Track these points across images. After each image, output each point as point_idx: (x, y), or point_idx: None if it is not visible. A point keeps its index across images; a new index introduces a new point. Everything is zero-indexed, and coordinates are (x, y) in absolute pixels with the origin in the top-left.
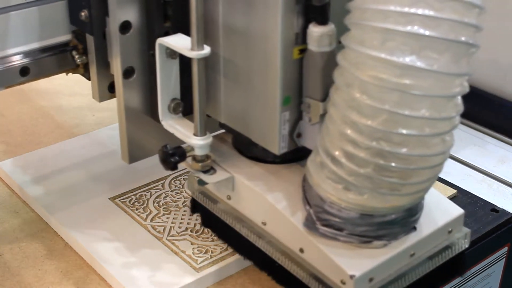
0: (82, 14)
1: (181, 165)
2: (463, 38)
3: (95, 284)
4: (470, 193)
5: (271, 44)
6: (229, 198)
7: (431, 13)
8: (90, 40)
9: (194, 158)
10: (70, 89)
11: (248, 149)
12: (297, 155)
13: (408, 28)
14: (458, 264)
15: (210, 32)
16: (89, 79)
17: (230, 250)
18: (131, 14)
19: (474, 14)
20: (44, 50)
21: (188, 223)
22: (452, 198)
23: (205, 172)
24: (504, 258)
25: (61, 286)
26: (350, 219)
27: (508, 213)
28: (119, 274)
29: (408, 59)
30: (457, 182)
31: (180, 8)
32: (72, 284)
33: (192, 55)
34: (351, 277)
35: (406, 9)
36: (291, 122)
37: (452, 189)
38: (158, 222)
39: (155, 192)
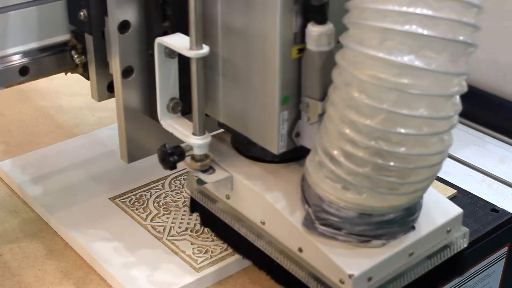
0: (81, 13)
1: (181, 165)
2: (461, 38)
3: (95, 284)
4: (470, 193)
5: (270, 44)
6: (228, 197)
7: (429, 12)
8: (89, 39)
9: (193, 157)
10: (70, 89)
11: (247, 149)
12: (296, 154)
13: (407, 27)
14: (457, 263)
15: (209, 32)
16: (88, 78)
17: (230, 250)
18: (130, 14)
19: (472, 14)
20: (43, 49)
21: (188, 223)
22: (452, 198)
23: (204, 171)
24: (504, 258)
25: (61, 286)
26: (348, 219)
27: (508, 213)
28: (119, 274)
29: (406, 59)
30: (457, 182)
31: (179, 7)
32: (72, 284)
33: (191, 54)
34: (350, 276)
35: (404, 9)
36: (289, 122)
37: (452, 189)
38: (158, 222)
39: (155, 192)
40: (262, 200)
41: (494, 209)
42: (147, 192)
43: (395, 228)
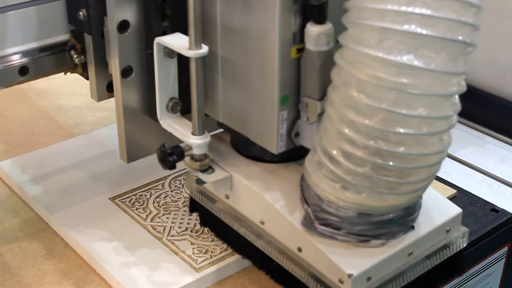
0: (80, 13)
1: (181, 165)
2: (460, 37)
3: (95, 284)
4: (470, 193)
5: (269, 43)
6: (227, 197)
7: (428, 12)
8: (88, 39)
9: (192, 157)
10: (70, 89)
11: (246, 148)
12: (295, 154)
13: (405, 27)
14: (456, 263)
15: (208, 32)
16: (87, 78)
17: (230, 250)
18: (129, 14)
19: (471, 13)
20: (42, 49)
21: (188, 223)
22: (452, 198)
23: (203, 171)
24: (504, 258)
25: (61, 286)
26: (348, 218)
27: (508, 213)
28: (119, 274)
29: (405, 58)
30: (457, 182)
31: (178, 7)
32: (72, 284)
33: (190, 54)
34: (349, 276)
35: (403, 8)
36: (289, 121)
37: (452, 189)
38: (158, 222)
39: (155, 192)
40: (262, 200)
41: (494, 209)
42: (147, 192)
43: (395, 227)
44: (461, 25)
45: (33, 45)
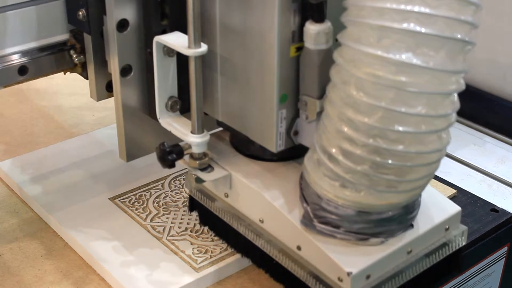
0: (80, 13)
1: (181, 166)
2: (459, 35)
3: (94, 284)
4: (470, 193)
5: (268, 42)
6: (226, 196)
7: (427, 10)
8: (87, 39)
9: (192, 156)
10: (69, 89)
11: (246, 147)
12: (294, 153)
13: (404, 25)
14: (455, 261)
15: (207, 30)
16: (87, 78)
17: (229, 250)
18: (128, 12)
19: (470, 12)
20: (42, 49)
21: (188, 223)
22: (452, 198)
23: (202, 170)
24: (504, 258)
25: (61, 286)
26: (347, 217)
27: (508, 213)
28: (119, 274)
29: (404, 56)
30: (457, 182)
31: (177, 6)
32: (71, 284)
33: (189, 53)
34: (348, 274)
35: (402, 7)
36: (288, 120)
37: (452, 189)
38: (158, 222)
39: (155, 192)
40: (261, 199)
41: (494, 209)
42: (147, 192)
43: (394, 226)
44: (459, 23)
45: (33, 44)
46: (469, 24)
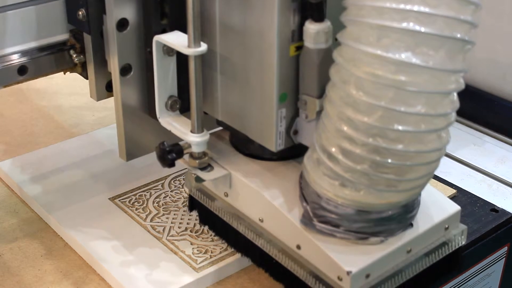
0: (80, 13)
1: (181, 165)
2: (458, 35)
3: (94, 284)
4: (470, 193)
5: (268, 42)
6: (226, 195)
7: (426, 9)
8: (87, 39)
9: (192, 155)
10: (69, 89)
11: (245, 146)
12: (294, 152)
13: (404, 24)
14: (455, 260)
15: (207, 30)
16: (86, 78)
17: (229, 250)
18: (128, 12)
19: (470, 11)
20: (42, 49)
21: (187, 223)
22: (452, 198)
23: (202, 169)
24: (504, 258)
25: (61, 286)
26: (346, 216)
27: (508, 213)
28: (118, 274)
29: (403, 56)
30: (457, 182)
31: (177, 5)
32: (71, 284)
33: (189, 52)
34: (348, 273)
35: (401, 6)
36: (287, 119)
37: (452, 189)
38: (158, 222)
39: (155, 192)
40: (260, 198)
41: (494, 209)
42: (147, 192)
43: (393, 225)
44: (459, 23)
45: (32, 44)
46: (468, 24)
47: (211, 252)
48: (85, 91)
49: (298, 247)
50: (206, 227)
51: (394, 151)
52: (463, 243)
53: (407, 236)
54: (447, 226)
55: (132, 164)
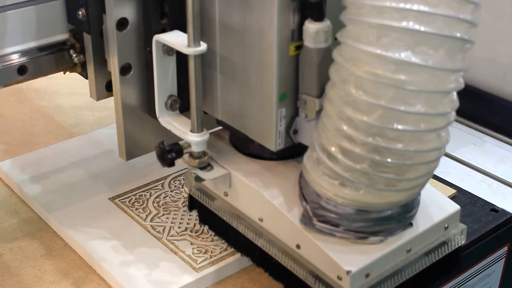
0: (80, 13)
1: (181, 165)
2: (458, 34)
3: (94, 284)
4: (470, 193)
5: (267, 41)
6: (226, 194)
7: (426, 8)
8: (87, 39)
9: (191, 154)
10: (69, 88)
11: (245, 146)
12: (293, 151)
13: (403, 23)
14: (455, 260)
15: (207, 29)
16: (86, 78)
17: (229, 250)
18: (128, 11)
19: (469, 10)
20: (41, 49)
21: (187, 223)
22: (452, 198)
23: (202, 168)
24: (504, 258)
25: (61, 286)
26: (346, 215)
27: (507, 213)
28: (118, 274)
29: (403, 55)
30: (457, 182)
31: (177, 5)
32: (71, 284)
33: (189, 51)
34: (348, 272)
35: (401, 5)
36: (287, 119)
37: (452, 189)
38: (158, 222)
39: (155, 192)
40: (260, 197)
41: (494, 209)
42: (147, 192)
43: (393, 224)
44: (459, 22)
45: (32, 44)
46: (468, 23)
47: (211, 252)
48: (85, 91)
49: (298, 246)
50: (206, 227)
51: (393, 150)
52: (463, 242)
53: (407, 235)
54: (446, 225)
55: (132, 164)
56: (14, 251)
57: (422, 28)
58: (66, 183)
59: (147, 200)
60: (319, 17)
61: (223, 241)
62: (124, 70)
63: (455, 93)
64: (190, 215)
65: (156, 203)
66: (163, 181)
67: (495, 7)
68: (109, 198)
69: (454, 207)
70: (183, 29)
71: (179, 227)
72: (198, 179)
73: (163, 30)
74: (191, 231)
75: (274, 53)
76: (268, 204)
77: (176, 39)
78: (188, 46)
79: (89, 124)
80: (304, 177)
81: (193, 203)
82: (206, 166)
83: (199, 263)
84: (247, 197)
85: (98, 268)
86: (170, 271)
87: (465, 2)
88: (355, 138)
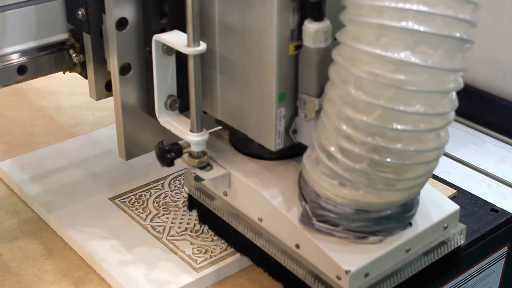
0: (79, 13)
1: (181, 166)
2: (457, 34)
3: (94, 284)
4: (470, 193)
5: (267, 41)
6: (225, 194)
7: (425, 8)
8: (87, 38)
9: (191, 154)
10: (69, 88)
11: (245, 146)
12: (293, 151)
13: (403, 23)
14: (454, 260)
15: (206, 29)
16: (86, 77)
17: (229, 250)
18: (128, 11)
19: (469, 10)
20: (41, 48)
21: (187, 223)
22: (452, 198)
23: (201, 168)
24: (504, 258)
25: (61, 286)
26: (345, 215)
27: (507, 213)
28: (118, 274)
29: (402, 55)
30: (457, 182)
31: (176, 5)
32: (71, 284)
33: (188, 51)
34: (347, 272)
35: (400, 5)
36: (287, 118)
37: (452, 189)
38: (158, 222)
39: (155, 192)
40: (260, 197)
41: (494, 209)
42: (147, 192)
43: (392, 224)
44: (458, 22)
45: (32, 44)
46: (467, 23)
47: (211, 252)
48: (85, 91)
49: (297, 246)
50: (206, 227)
51: (393, 150)
52: (462, 242)
53: (406, 235)
54: (446, 225)
55: (132, 164)
56: (14, 251)
57: (422, 28)
58: (66, 183)
59: (147, 200)
60: (318, 17)
61: (223, 241)
62: (124, 70)
63: (454, 93)
64: (190, 215)
65: (156, 203)
66: (163, 181)
67: (495, 7)
68: (109, 198)
69: (454, 206)
70: (183, 29)
71: (179, 227)
72: (198, 178)
73: (163, 30)
74: (191, 231)
75: (273, 53)
76: (268, 204)
77: (175, 39)
78: (188, 46)
79: (89, 124)
80: (304, 177)
81: (192, 203)
82: (205, 166)
83: (199, 263)
84: (246, 197)
85: (98, 268)
86: (170, 271)
87: (464, 2)
88: (355, 138)
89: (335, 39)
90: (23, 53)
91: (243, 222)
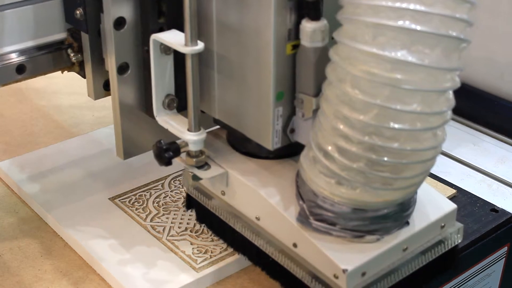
0: (77, 12)
1: (181, 165)
2: (454, 33)
3: (94, 284)
4: (470, 193)
5: (264, 40)
6: (223, 193)
7: (422, 8)
8: (85, 38)
9: (189, 153)
10: (69, 88)
11: (242, 145)
12: (290, 150)
13: (399, 23)
14: (451, 259)
15: (204, 28)
16: (84, 77)
17: (229, 250)
18: (126, 10)
19: (465, 9)
20: (39, 48)
21: (187, 223)
22: (452, 198)
23: (199, 167)
24: (504, 258)
25: (61, 286)
26: (342, 214)
27: (507, 213)
28: (118, 274)
29: (399, 54)
30: (457, 182)
31: (174, 4)
32: (71, 284)
33: (186, 50)
34: (344, 271)
35: (397, 4)
36: (284, 118)
37: (451, 189)
38: (158, 222)
39: (155, 192)
40: (257, 196)
41: (494, 209)
42: (147, 192)
43: (389, 223)
44: (455, 21)
45: (30, 43)
46: (464, 22)
47: (211, 252)
48: (85, 91)
49: (295, 245)
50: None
51: (390, 149)
52: (459, 241)
53: (403, 234)
54: (443, 224)
55: (132, 164)
56: (14, 251)
57: (418, 27)
58: (66, 183)
59: (147, 200)
60: (316, 16)
61: (220, 239)
62: (122, 69)
63: (451, 92)
64: (190, 215)
65: (156, 203)
66: (163, 181)
67: (492, 7)
68: (109, 198)
69: (451, 206)
70: (181, 28)
71: (179, 227)
72: (196, 178)
73: (161, 29)
74: (191, 231)
75: (271, 52)
76: (265, 203)
77: (173, 38)
78: (186, 45)
79: (88, 124)
80: (301, 176)
81: (190, 202)
82: (203, 165)
83: (199, 263)
84: (244, 196)
85: (98, 268)
86: (170, 271)
87: (461, 1)
88: (352, 137)
89: (332, 38)
90: (21, 52)
91: (241, 221)
